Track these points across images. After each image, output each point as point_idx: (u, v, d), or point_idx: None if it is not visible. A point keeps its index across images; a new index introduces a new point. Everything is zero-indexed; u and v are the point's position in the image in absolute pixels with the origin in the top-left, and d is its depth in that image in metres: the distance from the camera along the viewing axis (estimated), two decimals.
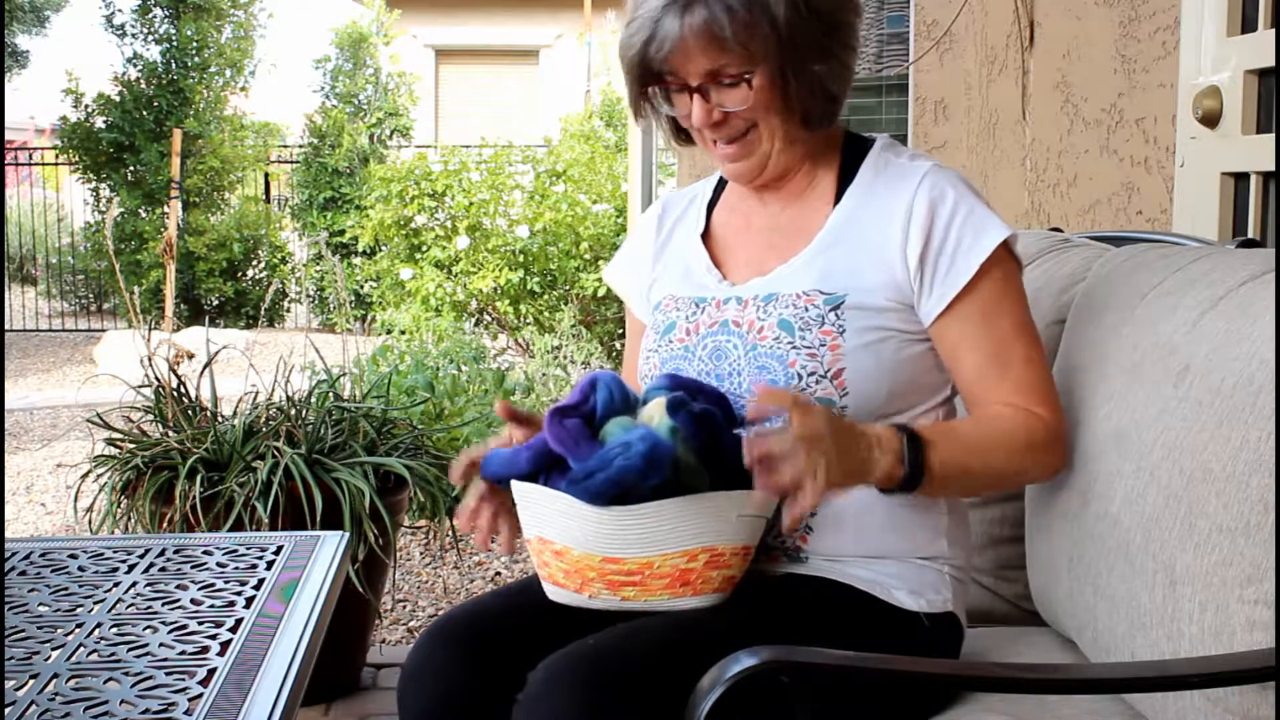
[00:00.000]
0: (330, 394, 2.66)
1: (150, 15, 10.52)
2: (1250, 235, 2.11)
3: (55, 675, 1.13)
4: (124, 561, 1.48)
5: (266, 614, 1.28)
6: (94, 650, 1.19)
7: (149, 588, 1.38)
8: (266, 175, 11.58)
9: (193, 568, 1.45)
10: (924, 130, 3.62)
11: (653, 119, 1.51)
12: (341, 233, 9.94)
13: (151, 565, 1.46)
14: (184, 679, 1.11)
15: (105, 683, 1.11)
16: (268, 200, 11.56)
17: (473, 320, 7.67)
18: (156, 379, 2.64)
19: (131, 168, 10.30)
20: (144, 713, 1.04)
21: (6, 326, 10.48)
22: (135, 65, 10.46)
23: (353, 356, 3.54)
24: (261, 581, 1.39)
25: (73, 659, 1.17)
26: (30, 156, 13.74)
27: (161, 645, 1.20)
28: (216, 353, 2.79)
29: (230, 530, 2.31)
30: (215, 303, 10.57)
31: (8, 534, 3.85)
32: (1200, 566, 1.17)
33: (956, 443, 1.33)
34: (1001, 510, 1.70)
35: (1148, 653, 1.24)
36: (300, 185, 10.72)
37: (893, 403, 1.41)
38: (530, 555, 1.38)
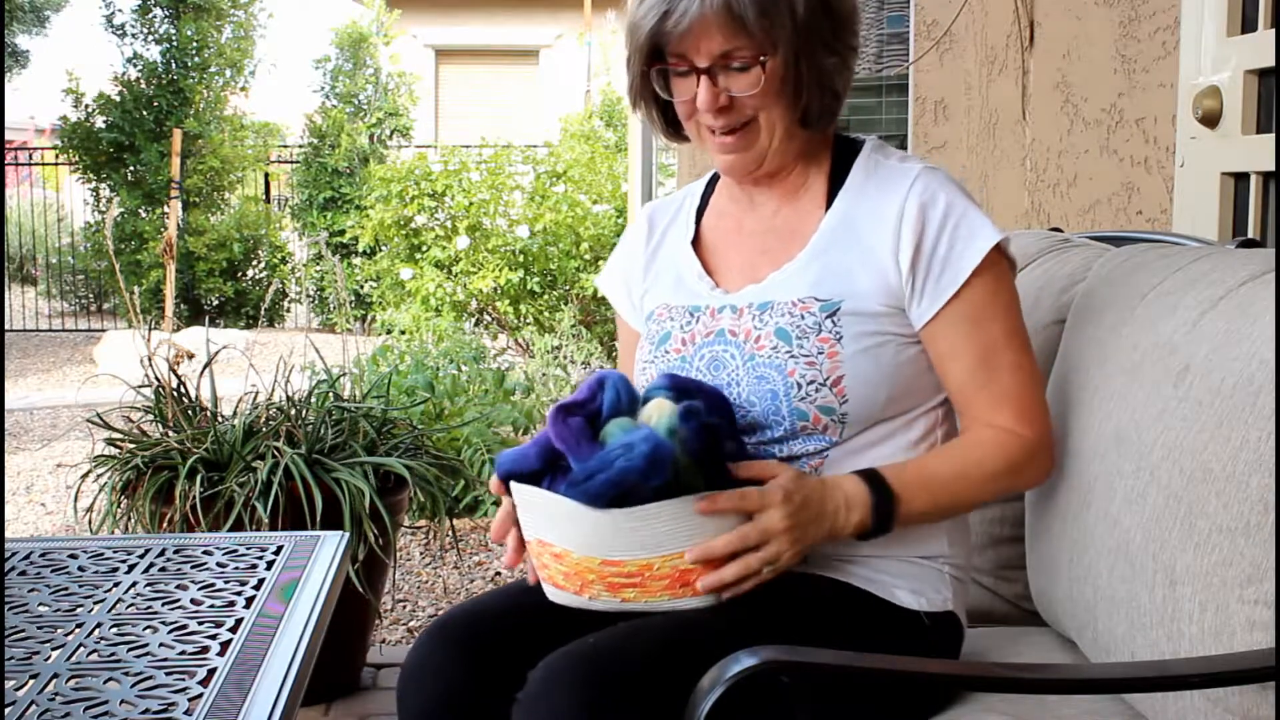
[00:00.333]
0: (330, 394, 2.66)
1: (150, 15, 10.53)
2: (1250, 235, 2.11)
3: (55, 675, 1.13)
4: (124, 561, 1.48)
5: (266, 614, 1.28)
6: (94, 650, 1.19)
7: (149, 588, 1.38)
8: (266, 175, 11.58)
9: (193, 568, 1.45)
10: (924, 130, 3.62)
11: (648, 108, 1.50)
12: (341, 233, 9.95)
13: (151, 565, 1.46)
14: (184, 679, 1.11)
15: (105, 683, 1.11)
16: (268, 200, 11.56)
17: (473, 320, 7.67)
18: (156, 379, 2.64)
19: (131, 168, 10.30)
20: (144, 713, 1.04)
21: (6, 326, 10.48)
22: (135, 65, 10.46)
23: (353, 356, 3.54)
24: (261, 581, 1.39)
25: (73, 659, 1.17)
26: (30, 156, 13.74)
27: (161, 645, 1.20)
28: (216, 353, 2.79)
29: (230, 530, 2.31)
30: (215, 303, 10.58)
31: (8, 534, 3.85)
32: (1200, 566, 1.17)
33: (929, 486, 1.36)
34: (1001, 510, 1.70)
35: (1148, 653, 1.24)
36: (300, 185, 10.72)
37: (892, 406, 1.40)
38: (530, 557, 1.38)
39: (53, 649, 1.19)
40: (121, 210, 10.26)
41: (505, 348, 6.69)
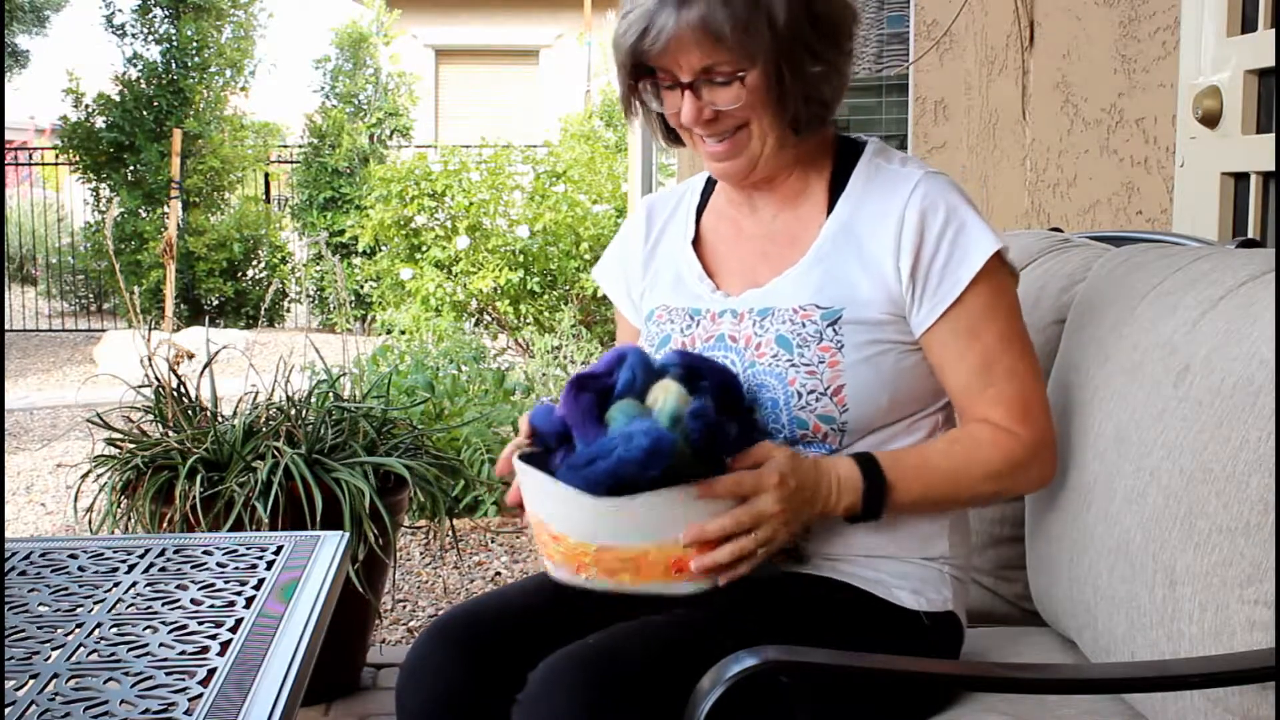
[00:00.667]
0: (330, 394, 2.66)
1: (150, 15, 10.53)
2: (1250, 235, 2.11)
3: (55, 675, 1.13)
4: (124, 561, 1.48)
5: (266, 614, 1.28)
6: (94, 650, 1.19)
7: (149, 588, 1.38)
8: (266, 175, 11.58)
9: (193, 568, 1.45)
10: (924, 130, 3.62)
11: (642, 116, 1.49)
12: (341, 233, 9.95)
13: (151, 565, 1.46)
14: (184, 679, 1.11)
15: (105, 683, 1.11)
16: (268, 200, 11.56)
17: (473, 320, 7.68)
18: (156, 379, 2.64)
19: (131, 168, 10.31)
20: (144, 713, 1.04)
21: (6, 326, 10.48)
22: (135, 65, 10.46)
23: (353, 356, 3.54)
24: (261, 581, 1.39)
25: (73, 659, 1.17)
26: (30, 156, 13.75)
27: (161, 645, 1.19)
28: (216, 353, 2.79)
29: (230, 530, 2.31)
30: (215, 303, 10.58)
31: (8, 534, 3.86)
32: (1200, 566, 1.17)
33: (925, 477, 1.36)
34: (1001, 510, 1.70)
35: (1148, 653, 1.24)
36: (300, 185, 10.72)
37: (893, 412, 1.40)
38: (533, 534, 1.39)
39: (53, 649, 1.19)
40: (121, 210, 10.26)
41: (505, 348, 6.69)
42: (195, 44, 10.38)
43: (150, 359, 2.64)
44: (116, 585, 1.39)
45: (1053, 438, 1.41)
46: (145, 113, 10.31)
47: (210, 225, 10.50)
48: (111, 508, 2.43)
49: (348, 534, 1.62)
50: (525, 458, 1.36)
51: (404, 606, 3.38)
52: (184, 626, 1.25)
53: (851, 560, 1.40)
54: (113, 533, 2.44)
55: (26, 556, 1.50)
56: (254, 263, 10.82)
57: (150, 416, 2.65)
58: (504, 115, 14.63)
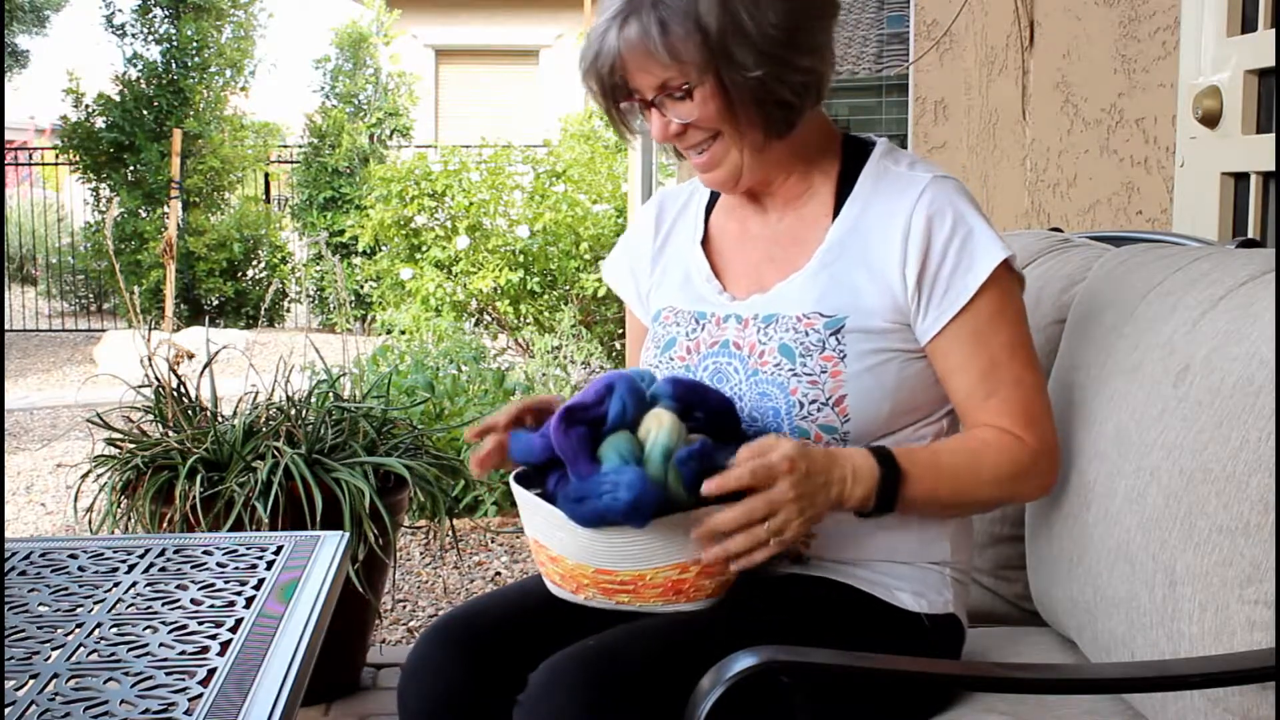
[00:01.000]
0: (330, 394, 2.66)
1: (150, 15, 10.52)
2: (1250, 235, 2.11)
3: (55, 675, 1.13)
4: (124, 561, 1.48)
5: (266, 614, 1.28)
6: (94, 650, 1.19)
7: (149, 588, 1.38)
8: (266, 175, 11.58)
9: (193, 568, 1.45)
10: (924, 130, 3.62)
11: (639, 134, 1.50)
12: (341, 233, 9.95)
13: (151, 565, 1.46)
14: (184, 679, 1.11)
15: (105, 683, 1.11)
16: (268, 200, 11.56)
17: (473, 320, 7.67)
18: (156, 379, 2.64)
19: (131, 168, 10.30)
20: (144, 713, 1.04)
21: (6, 326, 10.48)
22: (135, 65, 10.46)
23: (353, 356, 3.54)
24: (261, 581, 1.39)
25: (73, 659, 1.17)
26: (30, 156, 13.75)
27: (161, 645, 1.19)
28: (216, 353, 2.79)
29: (230, 530, 2.31)
30: (215, 303, 10.58)
31: (8, 534, 3.85)
32: (1200, 566, 1.17)
33: (936, 474, 1.33)
34: (1002, 510, 1.70)
35: (1148, 653, 1.24)
36: (300, 185, 10.72)
37: (896, 421, 1.40)
38: (532, 553, 1.39)
39: (53, 649, 1.19)
40: (121, 210, 10.26)
41: (505, 348, 6.69)
42: (195, 44, 10.38)
43: (150, 359, 2.64)
44: (116, 585, 1.39)
45: (1056, 446, 1.40)
46: (145, 113, 10.30)
47: (210, 225, 10.50)
48: (111, 508, 2.43)
49: (348, 534, 1.62)
50: (522, 480, 1.36)
51: (404, 606, 3.38)
52: (184, 626, 1.25)
53: (852, 562, 1.40)
54: (113, 533, 2.43)
55: (26, 556, 1.50)
56: (254, 263, 10.81)
57: (150, 416, 2.65)
58: (504, 115, 14.62)
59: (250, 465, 2.41)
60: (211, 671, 1.13)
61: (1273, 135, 2.06)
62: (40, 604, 1.33)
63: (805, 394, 1.37)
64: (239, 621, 1.26)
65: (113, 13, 10.53)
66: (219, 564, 1.47)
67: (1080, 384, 1.46)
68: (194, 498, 2.33)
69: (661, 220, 1.61)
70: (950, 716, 1.34)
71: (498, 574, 3.67)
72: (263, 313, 10.46)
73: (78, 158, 10.36)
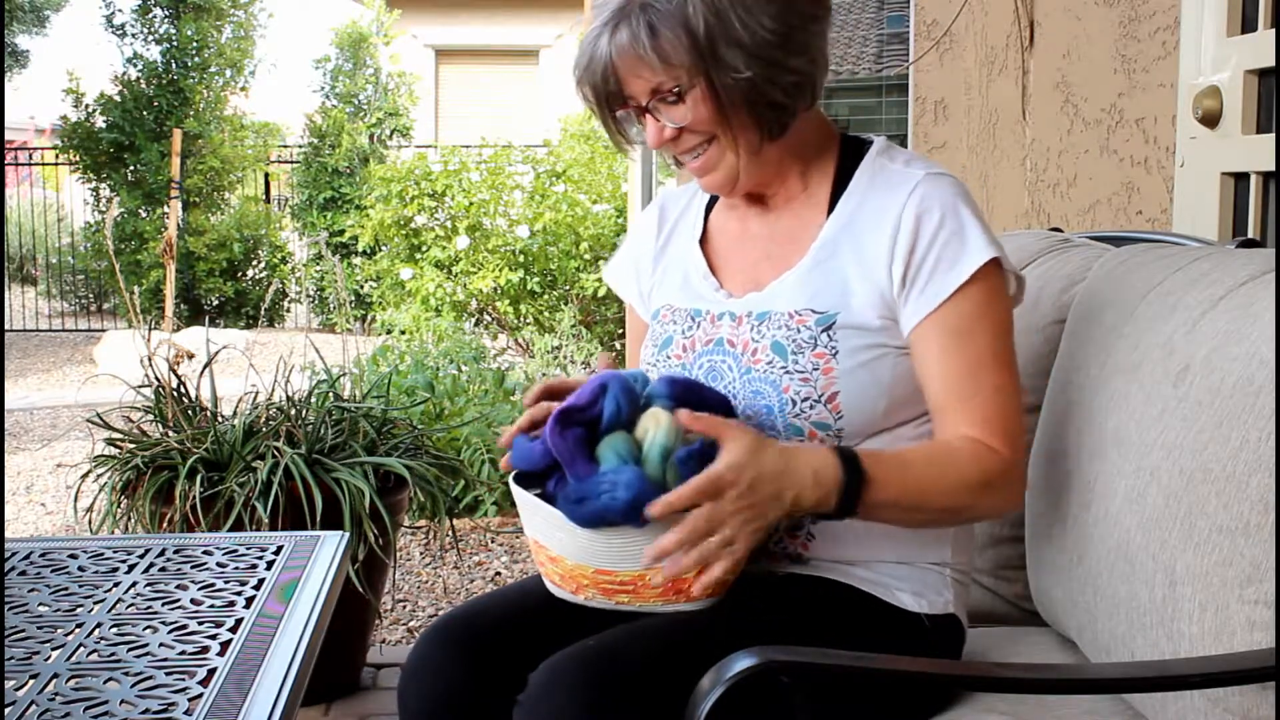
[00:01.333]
0: (330, 394, 2.66)
1: (150, 15, 10.53)
2: (1250, 235, 2.11)
3: (55, 675, 1.13)
4: (124, 561, 1.48)
5: (266, 614, 1.28)
6: (94, 650, 1.19)
7: (149, 588, 1.38)
8: (266, 175, 11.58)
9: (193, 568, 1.45)
10: (924, 130, 3.62)
11: (636, 144, 1.50)
12: (341, 233, 9.95)
13: (151, 565, 1.46)
14: (184, 679, 1.11)
15: (105, 683, 1.11)
16: (268, 200, 11.56)
17: (473, 320, 7.68)
18: (156, 379, 2.64)
19: (131, 168, 10.30)
20: (144, 713, 1.04)
21: (6, 326, 10.48)
22: (135, 65, 10.46)
23: (353, 356, 3.54)
24: (261, 581, 1.39)
25: (73, 659, 1.17)
26: (30, 156, 13.75)
27: (161, 645, 1.19)
28: (216, 353, 2.79)
29: (230, 530, 2.31)
30: (215, 303, 10.58)
31: (8, 534, 3.85)
32: (1200, 566, 1.17)
33: (902, 479, 1.29)
34: None
35: (1148, 653, 1.24)
36: (300, 185, 10.72)
37: (890, 417, 1.39)
38: (532, 554, 1.39)
39: (53, 649, 1.19)
40: (121, 210, 10.26)
41: (505, 348, 6.69)
42: (195, 44, 10.38)
43: (150, 359, 2.64)
44: (116, 585, 1.39)
45: (1025, 464, 1.37)
46: (145, 113, 10.31)
47: (210, 225, 10.50)
48: (111, 508, 2.43)
49: (348, 534, 1.62)
50: (521, 480, 1.36)
51: (404, 606, 3.38)
52: (184, 626, 1.25)
53: (852, 562, 1.40)
54: (113, 533, 2.44)
55: (26, 556, 1.50)
56: (254, 263, 10.81)
57: (150, 416, 2.65)
58: (504, 115, 14.62)
59: (250, 465, 2.41)
60: (211, 671, 1.13)
61: (1273, 135, 2.06)
62: (40, 604, 1.33)
63: (798, 391, 1.37)
64: (239, 621, 1.26)
65: (113, 13, 10.54)
66: (219, 564, 1.47)
67: (1080, 384, 1.46)
68: (194, 498, 2.33)
69: (664, 220, 1.61)
70: (950, 716, 1.34)
71: (498, 574, 3.67)
72: (263, 313, 10.46)
73: (78, 158, 10.37)
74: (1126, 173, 2.61)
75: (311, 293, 10.85)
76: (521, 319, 7.50)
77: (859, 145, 1.48)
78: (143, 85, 10.40)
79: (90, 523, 2.48)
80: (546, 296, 7.54)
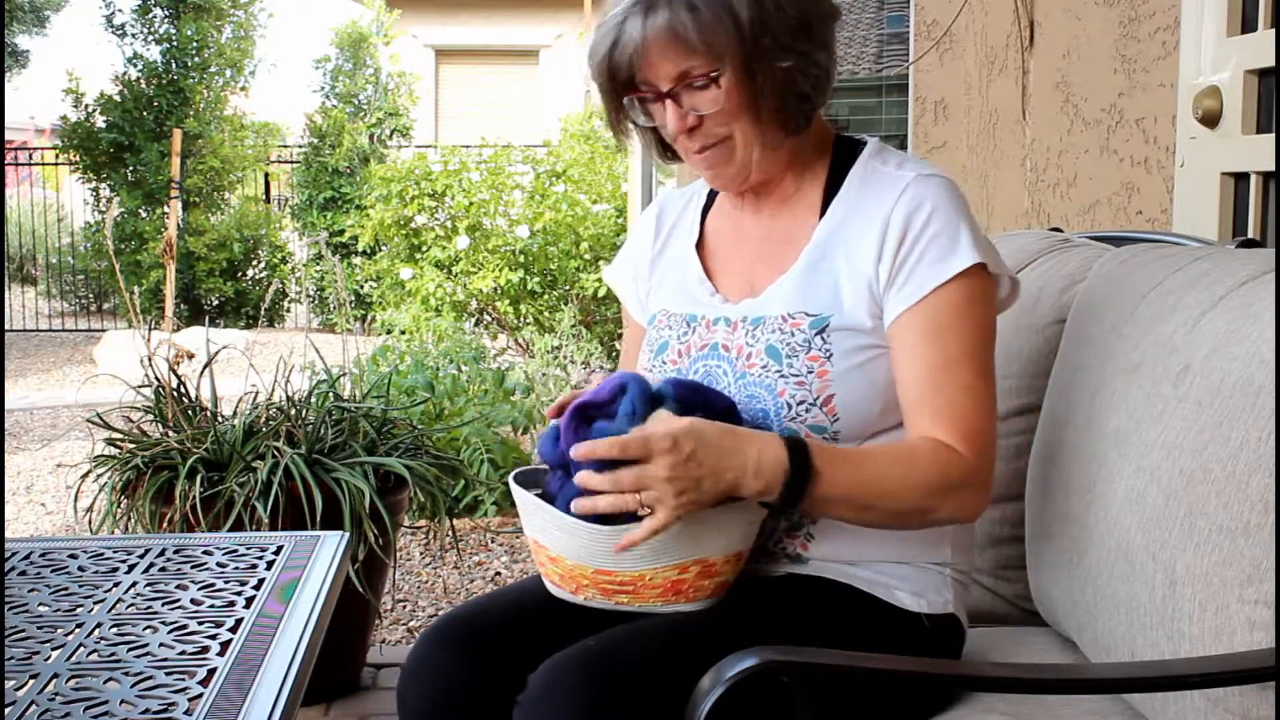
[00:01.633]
0: (330, 394, 2.66)
1: (150, 15, 10.52)
2: (1250, 235, 2.11)
3: (55, 675, 1.13)
4: (124, 561, 1.48)
5: (266, 614, 1.28)
6: (94, 650, 1.19)
7: (149, 588, 1.38)
8: (266, 175, 11.58)
9: (193, 568, 1.45)
10: (924, 130, 3.62)
11: (635, 136, 1.49)
12: (341, 233, 9.95)
13: (151, 565, 1.46)
14: (184, 679, 1.11)
15: (105, 683, 1.11)
16: (268, 200, 11.56)
17: (473, 320, 7.68)
18: (156, 379, 2.64)
19: (131, 168, 10.30)
20: (144, 713, 1.04)
21: (6, 326, 10.48)
22: (135, 65, 10.46)
23: (353, 356, 3.54)
24: (261, 581, 1.39)
25: (73, 659, 1.16)
26: (30, 156, 13.74)
27: (161, 645, 1.19)
28: (216, 353, 2.79)
29: (230, 530, 2.31)
30: (215, 303, 10.58)
31: (8, 534, 3.85)
32: (1200, 566, 1.17)
33: (857, 476, 1.28)
34: (1001, 510, 1.70)
35: (1148, 653, 1.24)
36: (300, 185, 10.72)
37: (886, 418, 1.39)
38: (531, 553, 1.40)
39: (53, 649, 1.19)
40: (121, 210, 10.26)
41: (505, 348, 6.69)
42: (195, 44, 10.38)
43: (150, 359, 2.64)
44: (116, 585, 1.39)
45: (991, 473, 1.35)
46: (145, 113, 10.30)
47: (210, 225, 10.50)
48: (111, 508, 2.43)
49: (348, 534, 1.62)
50: (521, 480, 1.36)
51: (404, 606, 3.38)
52: (184, 626, 1.25)
53: (852, 562, 1.40)
54: (113, 533, 2.43)
55: (26, 556, 1.50)
56: (254, 263, 10.81)
57: (150, 416, 2.65)
58: (504, 115, 14.62)
59: (250, 465, 2.41)
60: (211, 671, 1.13)
61: (1273, 135, 2.06)
62: (40, 604, 1.33)
63: (793, 395, 1.36)
64: (239, 621, 1.26)
65: (113, 13, 10.54)
66: (219, 564, 1.47)
67: (1080, 384, 1.46)
68: (194, 498, 2.33)
69: (662, 224, 1.61)
70: (950, 716, 1.34)
71: (498, 574, 3.67)
72: (263, 313, 10.45)
73: (78, 158, 10.37)
74: (1126, 173, 2.61)
75: (311, 293, 10.85)
76: (521, 319, 7.50)
77: (852, 146, 1.48)
78: (143, 85, 10.39)
79: (90, 523, 2.48)
80: (546, 296, 7.55)
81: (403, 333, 6.50)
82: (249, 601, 1.32)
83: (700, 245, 1.55)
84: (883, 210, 1.38)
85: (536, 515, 1.32)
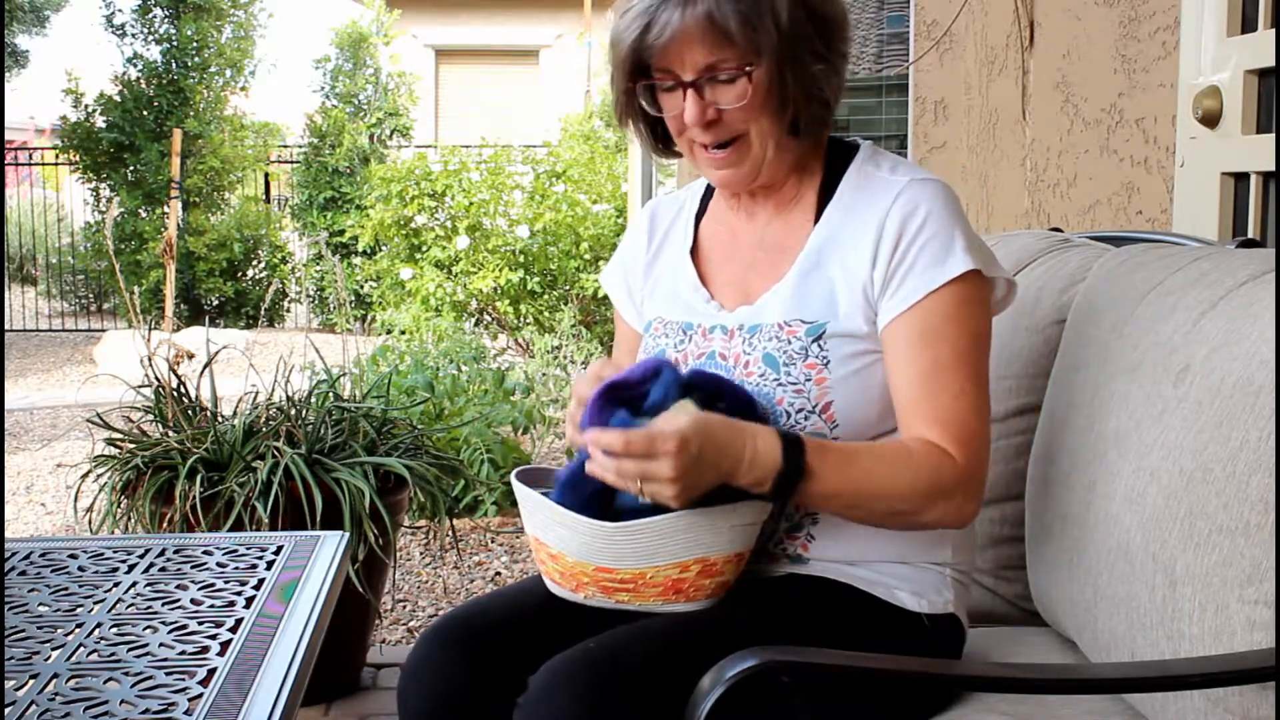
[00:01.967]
0: (330, 394, 2.66)
1: (150, 15, 10.52)
2: (1250, 235, 2.11)
3: (55, 675, 1.13)
4: (124, 561, 1.48)
5: (266, 614, 1.28)
6: (94, 650, 1.19)
7: (149, 588, 1.38)
8: (266, 175, 11.58)
9: (193, 568, 1.45)
10: (924, 130, 3.62)
11: (636, 124, 1.47)
12: (341, 233, 9.95)
13: (151, 565, 1.46)
14: (184, 679, 1.11)
15: (105, 683, 1.11)
16: (268, 200, 11.56)
17: (473, 320, 7.68)
18: (156, 379, 2.64)
19: (131, 168, 10.30)
20: (144, 713, 1.04)
21: (6, 326, 10.48)
22: (135, 65, 10.46)
23: (353, 356, 3.54)
24: (261, 581, 1.39)
25: (73, 659, 1.17)
26: (30, 156, 13.74)
27: (161, 645, 1.19)
28: (216, 353, 2.79)
29: (230, 530, 2.31)
30: (215, 303, 10.58)
31: (8, 534, 3.85)
32: (1200, 566, 1.17)
33: (849, 473, 1.29)
34: (1001, 510, 1.70)
35: (1148, 653, 1.24)
36: (300, 185, 10.72)
37: (884, 423, 1.39)
38: (532, 551, 1.39)
39: (53, 649, 1.19)
40: (121, 210, 10.26)
41: (505, 348, 6.69)
42: (195, 44, 10.38)
43: (150, 359, 2.64)
44: (116, 585, 1.39)
45: (984, 479, 1.34)
46: (145, 113, 10.30)
47: (210, 225, 10.50)
48: (111, 508, 2.43)
49: (348, 534, 1.62)
50: (523, 478, 1.36)
51: (404, 606, 3.38)
52: (184, 626, 1.25)
53: (853, 562, 1.40)
54: (113, 533, 2.44)
55: (26, 556, 1.50)
56: (254, 263, 10.81)
57: (150, 416, 2.65)
58: (504, 115, 14.63)
59: (250, 465, 2.41)
60: (211, 671, 1.13)
61: (1273, 135, 2.06)
62: (40, 604, 1.33)
63: (792, 403, 1.36)
64: (239, 621, 1.26)
65: (113, 13, 10.53)
66: (219, 564, 1.47)
67: (1080, 384, 1.46)
68: (194, 498, 2.33)
69: (654, 230, 1.60)
70: (950, 716, 1.34)
71: (498, 574, 3.67)
72: (263, 313, 10.45)
73: (78, 158, 10.36)
74: (1126, 173, 2.61)
75: (311, 293, 10.85)
76: (521, 319, 7.50)
77: (844, 149, 1.48)
78: (143, 85, 10.39)
79: (90, 523, 2.48)
80: (546, 296, 7.55)
81: (403, 333, 6.50)
82: (249, 601, 1.32)
83: (694, 251, 1.54)
84: (877, 215, 1.38)
85: (537, 512, 1.32)
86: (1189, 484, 1.21)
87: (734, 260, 1.50)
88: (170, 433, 2.57)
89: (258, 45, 10.94)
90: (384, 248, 8.28)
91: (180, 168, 9.53)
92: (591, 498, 1.28)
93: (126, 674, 1.12)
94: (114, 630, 1.24)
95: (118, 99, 10.31)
